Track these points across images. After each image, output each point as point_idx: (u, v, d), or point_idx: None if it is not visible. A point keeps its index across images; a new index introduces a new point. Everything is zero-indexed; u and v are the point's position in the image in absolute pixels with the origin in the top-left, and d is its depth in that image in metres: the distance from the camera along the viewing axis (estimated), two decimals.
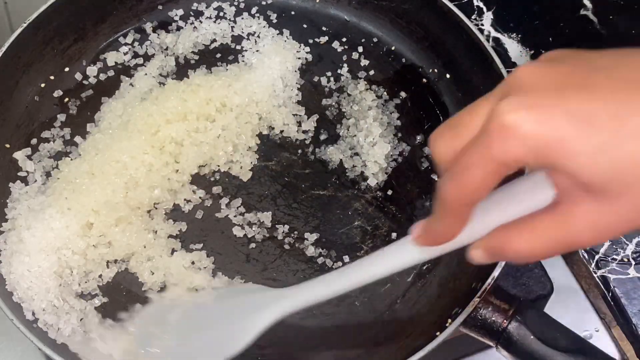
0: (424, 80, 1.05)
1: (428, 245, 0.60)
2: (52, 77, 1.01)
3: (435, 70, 1.05)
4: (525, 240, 0.53)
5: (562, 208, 0.51)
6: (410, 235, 0.60)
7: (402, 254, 0.64)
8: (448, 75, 1.03)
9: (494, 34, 1.12)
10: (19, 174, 0.93)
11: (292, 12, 1.10)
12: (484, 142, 0.50)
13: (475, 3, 1.15)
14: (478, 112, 0.53)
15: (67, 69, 1.03)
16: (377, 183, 0.96)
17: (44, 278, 0.84)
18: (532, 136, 0.47)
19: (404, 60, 1.07)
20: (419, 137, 1.00)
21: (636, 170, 0.46)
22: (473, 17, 1.13)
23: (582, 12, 1.14)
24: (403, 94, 1.03)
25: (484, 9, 1.14)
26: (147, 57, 1.05)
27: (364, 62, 1.06)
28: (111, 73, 1.03)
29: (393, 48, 1.08)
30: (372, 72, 1.05)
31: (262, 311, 0.73)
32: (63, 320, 0.82)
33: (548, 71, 0.51)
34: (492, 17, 1.14)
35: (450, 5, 1.00)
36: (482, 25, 1.13)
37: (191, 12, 1.09)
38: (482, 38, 0.97)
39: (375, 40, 1.09)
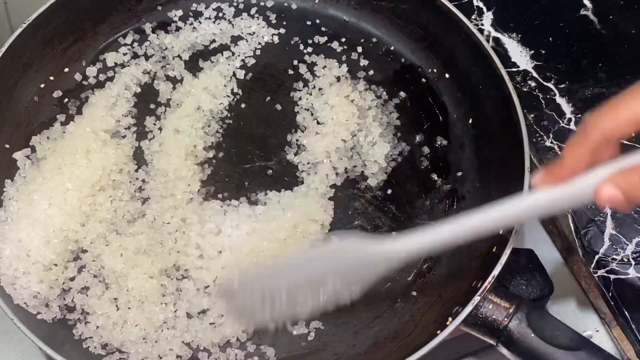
0: (424, 80, 1.05)
1: (547, 182, 0.63)
2: (51, 78, 1.01)
3: (435, 70, 1.05)
4: None
5: None
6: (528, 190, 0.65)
7: (522, 204, 0.66)
8: (447, 75, 1.03)
9: (494, 34, 1.12)
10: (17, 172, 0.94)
11: (291, 13, 1.10)
12: None
13: (475, 3, 1.15)
14: None
15: (66, 70, 1.03)
16: (377, 183, 0.96)
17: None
18: None
19: (403, 60, 1.07)
20: (418, 137, 1.00)
21: None
22: (473, 17, 1.13)
23: (582, 12, 1.14)
24: (402, 94, 1.03)
25: (484, 9, 1.14)
26: (147, 58, 1.05)
27: (363, 62, 1.06)
28: (111, 74, 1.03)
29: (392, 48, 1.08)
30: (371, 72, 1.05)
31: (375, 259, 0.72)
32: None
33: None
34: (492, 17, 1.14)
35: (450, 5, 1.00)
36: (482, 25, 1.13)
37: (190, 13, 1.10)
38: (481, 38, 0.97)
39: (374, 40, 1.09)
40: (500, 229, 0.68)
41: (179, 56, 1.06)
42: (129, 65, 1.04)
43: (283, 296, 0.74)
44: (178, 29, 1.08)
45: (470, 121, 0.99)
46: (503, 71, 0.93)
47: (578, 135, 0.63)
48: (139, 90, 1.02)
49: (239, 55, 1.06)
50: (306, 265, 0.75)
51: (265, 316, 0.74)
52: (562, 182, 0.63)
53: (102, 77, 1.03)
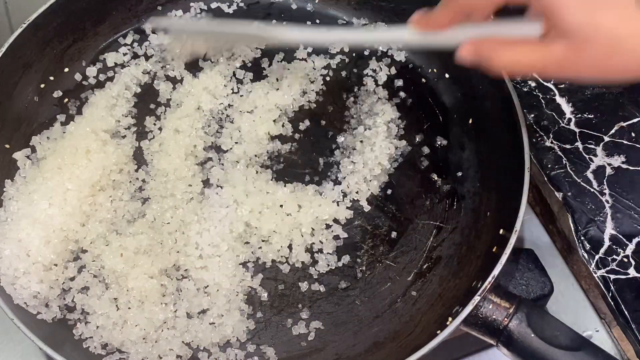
0: (423, 80, 1.05)
1: (419, 26, 0.74)
2: (51, 78, 1.01)
3: (435, 70, 1.05)
4: (510, 53, 0.69)
5: (543, 41, 0.68)
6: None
7: (397, 31, 0.77)
8: (447, 75, 1.03)
9: None
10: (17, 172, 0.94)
11: (292, 13, 1.10)
12: None
13: None
14: None
15: (66, 70, 1.03)
16: (377, 184, 0.96)
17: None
18: None
19: (403, 60, 1.07)
20: (418, 137, 1.00)
21: (605, 31, 0.63)
22: None
23: None
24: (402, 94, 1.03)
25: None
26: (147, 58, 1.05)
27: (363, 62, 1.06)
28: (111, 74, 1.03)
29: (392, 48, 1.07)
30: (371, 73, 1.05)
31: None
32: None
33: None
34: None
35: None
36: None
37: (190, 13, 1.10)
38: None
39: None
40: (372, 45, 0.84)
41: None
42: (129, 65, 1.04)
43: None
44: None
45: (470, 121, 0.99)
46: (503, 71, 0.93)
47: None
48: (139, 90, 1.03)
49: (239, 55, 1.06)
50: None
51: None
52: (433, 29, 0.73)
53: (102, 77, 1.03)
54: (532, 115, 1.04)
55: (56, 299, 0.86)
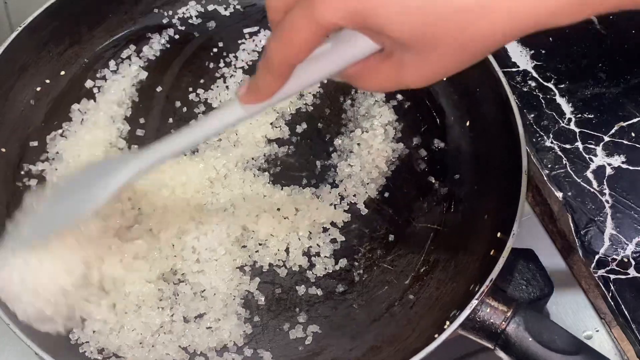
0: None
1: (251, 102, 0.64)
2: (48, 81, 1.01)
3: None
4: (370, 83, 0.61)
5: (393, 58, 0.57)
6: (237, 96, 0.64)
7: (229, 113, 0.67)
8: (444, 78, 1.03)
9: None
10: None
11: None
12: (308, 4, 0.53)
13: None
14: None
15: (62, 73, 1.02)
16: (375, 186, 0.96)
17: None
18: (351, 1, 0.52)
19: None
20: (415, 140, 1.00)
21: (443, 25, 0.52)
22: None
23: None
24: (399, 96, 1.03)
25: None
26: (144, 61, 1.05)
27: None
28: (109, 76, 1.03)
29: None
30: None
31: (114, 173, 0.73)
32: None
33: None
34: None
35: None
36: None
37: None
38: None
39: None
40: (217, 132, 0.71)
41: None
42: (127, 68, 1.04)
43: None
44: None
45: (468, 124, 0.99)
46: (500, 73, 0.93)
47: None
48: (136, 93, 1.02)
49: (238, 56, 1.06)
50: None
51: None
52: (265, 100, 0.64)
53: (99, 81, 1.03)
54: (532, 115, 1.03)
55: None
